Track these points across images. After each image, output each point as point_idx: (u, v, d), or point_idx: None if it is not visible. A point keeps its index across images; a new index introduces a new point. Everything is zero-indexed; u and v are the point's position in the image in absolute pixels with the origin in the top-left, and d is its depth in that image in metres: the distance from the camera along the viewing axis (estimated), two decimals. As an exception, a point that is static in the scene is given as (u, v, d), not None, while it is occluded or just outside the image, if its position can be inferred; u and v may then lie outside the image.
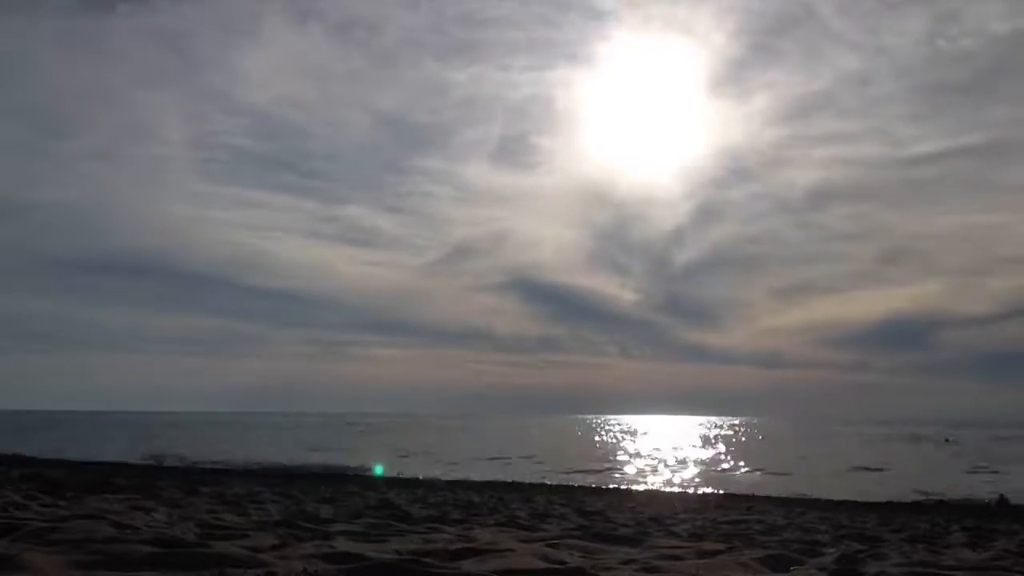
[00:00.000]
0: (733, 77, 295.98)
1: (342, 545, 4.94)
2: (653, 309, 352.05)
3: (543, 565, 4.47)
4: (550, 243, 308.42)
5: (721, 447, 44.42)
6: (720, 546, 6.20)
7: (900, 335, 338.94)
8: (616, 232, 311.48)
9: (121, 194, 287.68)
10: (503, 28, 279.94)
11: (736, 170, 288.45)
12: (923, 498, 17.78)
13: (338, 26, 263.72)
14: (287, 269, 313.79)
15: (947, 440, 53.92)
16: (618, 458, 33.16)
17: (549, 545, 5.56)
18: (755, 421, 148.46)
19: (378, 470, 25.39)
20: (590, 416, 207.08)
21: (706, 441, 52.03)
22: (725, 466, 29.65)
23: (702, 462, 31.55)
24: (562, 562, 4.66)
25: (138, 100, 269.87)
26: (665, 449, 40.97)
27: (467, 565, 4.37)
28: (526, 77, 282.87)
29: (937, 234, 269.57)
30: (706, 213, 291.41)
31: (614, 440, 52.91)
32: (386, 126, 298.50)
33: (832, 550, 6.40)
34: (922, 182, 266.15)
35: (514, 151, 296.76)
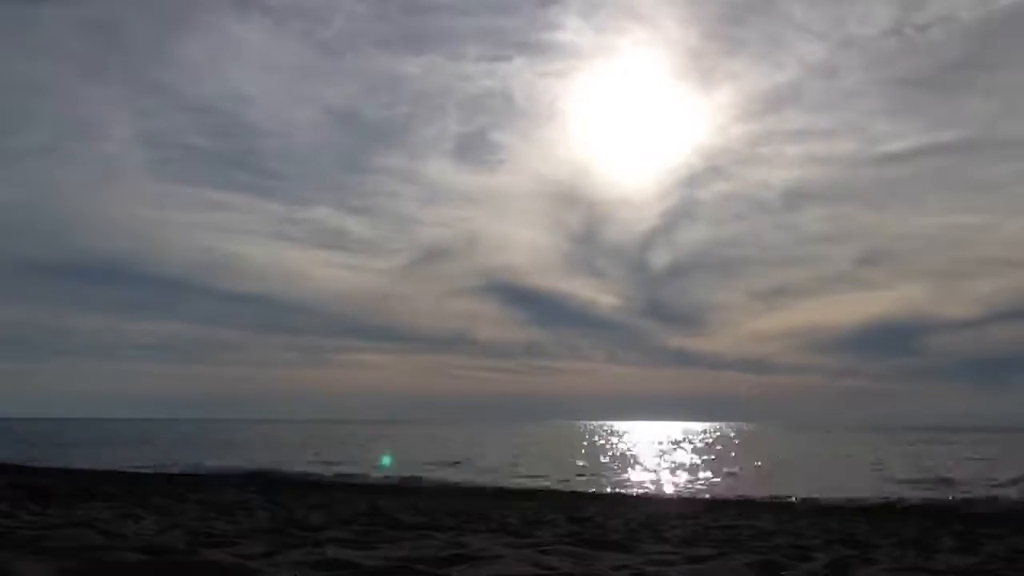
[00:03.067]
0: (694, 67, 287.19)
1: (332, 552, 4.93)
2: (633, 313, 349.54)
3: (534, 571, 4.47)
4: (523, 245, 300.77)
5: (709, 452, 44.49)
6: (711, 552, 6.22)
7: (885, 339, 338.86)
8: (590, 234, 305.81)
9: (73, 195, 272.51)
10: (452, 15, 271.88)
11: (708, 168, 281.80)
12: (921, 503, 17.77)
13: (281, 14, 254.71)
14: (258, 273, 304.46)
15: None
16: (608, 464, 33.14)
17: (540, 551, 5.56)
18: (745, 427, 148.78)
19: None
20: (577, 422, 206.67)
21: (695, 446, 52.10)
22: (712, 471, 29.68)
23: (690, 467, 31.58)
24: (553, 568, 4.66)
25: (80, 94, 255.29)
26: (654, 455, 40.99)
27: (458, 572, 4.37)
28: (480, 68, 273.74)
29: (917, 235, 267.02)
30: (680, 214, 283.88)
31: (602, 446, 52.90)
32: (340, 122, 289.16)
33: (822, 555, 6.42)
34: (899, 181, 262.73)
35: (476, 148, 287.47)
